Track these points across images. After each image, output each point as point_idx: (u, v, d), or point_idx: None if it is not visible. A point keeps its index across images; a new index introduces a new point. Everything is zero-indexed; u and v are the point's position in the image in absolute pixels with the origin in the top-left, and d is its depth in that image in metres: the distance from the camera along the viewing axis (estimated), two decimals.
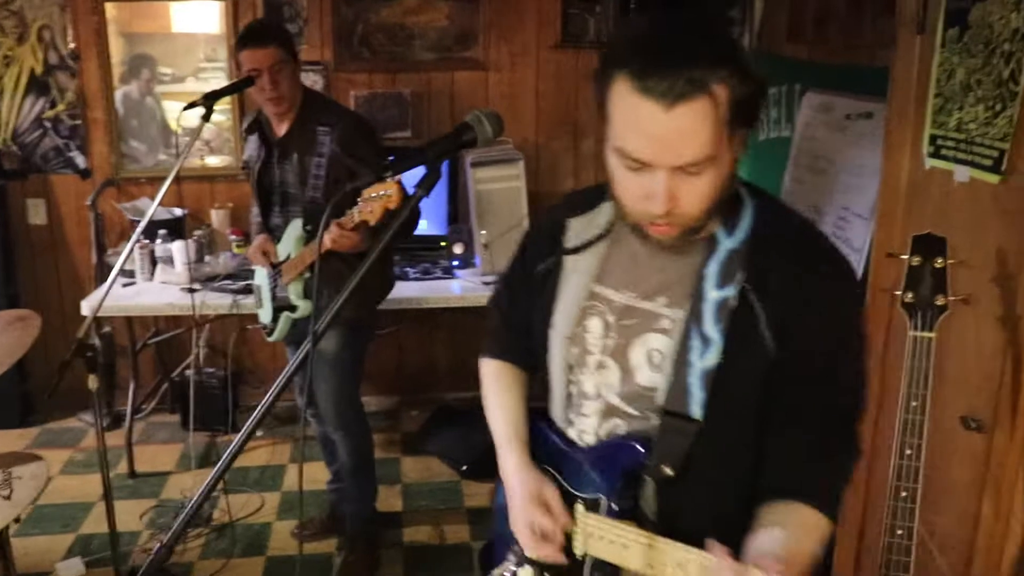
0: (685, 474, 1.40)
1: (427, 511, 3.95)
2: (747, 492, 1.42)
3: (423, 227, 4.38)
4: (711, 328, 1.36)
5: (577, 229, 1.56)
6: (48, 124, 4.51)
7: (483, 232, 4.02)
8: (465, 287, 4.07)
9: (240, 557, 3.59)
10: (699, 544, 1.35)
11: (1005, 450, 1.96)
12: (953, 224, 2.08)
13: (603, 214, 1.53)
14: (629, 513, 1.44)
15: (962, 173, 2.06)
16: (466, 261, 4.23)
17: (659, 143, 1.26)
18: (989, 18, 1.97)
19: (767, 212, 1.42)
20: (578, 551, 1.50)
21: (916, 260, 1.93)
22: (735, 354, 1.36)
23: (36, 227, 4.66)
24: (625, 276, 1.49)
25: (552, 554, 1.50)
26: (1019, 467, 1.93)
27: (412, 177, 1.50)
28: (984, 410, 2.03)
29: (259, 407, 1.49)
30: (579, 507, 1.49)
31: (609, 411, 1.51)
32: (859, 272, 2.66)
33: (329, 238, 2.91)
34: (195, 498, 1.45)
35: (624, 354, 1.47)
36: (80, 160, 4.58)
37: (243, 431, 1.47)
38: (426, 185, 1.48)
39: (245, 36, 3.13)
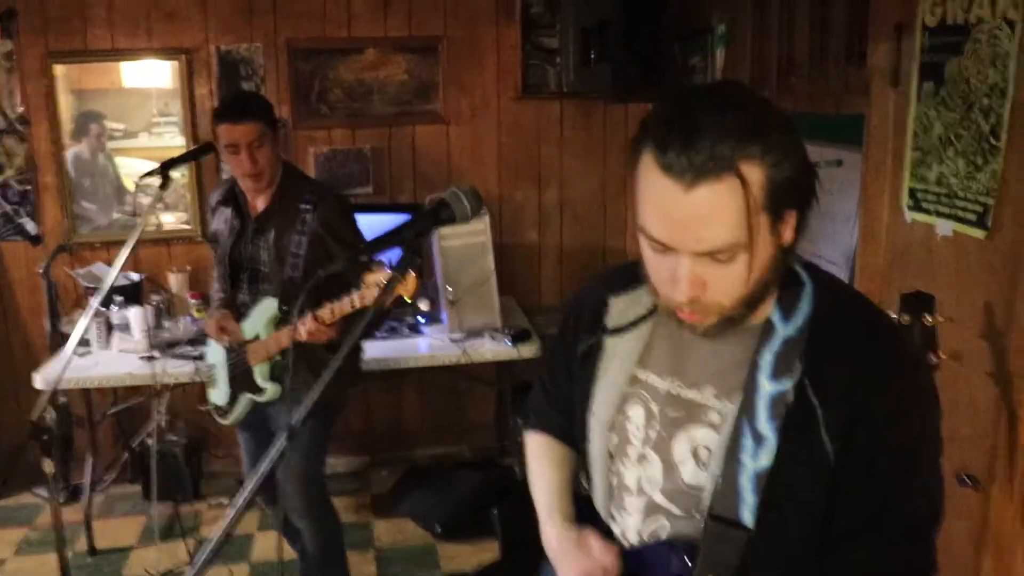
0: None
1: None
2: None
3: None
4: (765, 425, 1.23)
5: (619, 308, 1.45)
6: None
7: (450, 288, 3.95)
8: (432, 345, 4.00)
9: None
10: None
11: (1003, 506, 1.92)
12: (937, 279, 2.05)
13: (647, 293, 1.37)
14: None
15: (945, 227, 2.04)
16: (433, 318, 4.16)
17: (679, 226, 1.16)
18: (965, 73, 1.96)
19: (829, 296, 1.28)
20: None
21: (906, 318, 1.89)
22: (791, 456, 1.22)
23: None
24: (670, 362, 1.37)
25: None
26: (1018, 523, 1.89)
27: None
28: (979, 466, 1.99)
29: (235, 507, 1.43)
30: None
31: (652, 509, 1.39)
32: None
33: (305, 330, 2.81)
34: None
35: (668, 447, 1.35)
36: (31, 226, 4.44)
37: (237, 508, 1.40)
38: (404, 266, 1.44)
39: (223, 110, 3.00)
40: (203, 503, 4.40)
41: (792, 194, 1.17)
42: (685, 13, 4.07)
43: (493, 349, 3.92)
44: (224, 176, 4.40)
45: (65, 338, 4.21)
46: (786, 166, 1.14)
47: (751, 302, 1.24)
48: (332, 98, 4.51)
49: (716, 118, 1.13)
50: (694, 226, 1.15)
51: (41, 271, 4.24)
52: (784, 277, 1.27)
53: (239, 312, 3.17)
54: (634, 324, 1.42)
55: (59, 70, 4.31)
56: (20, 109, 4.31)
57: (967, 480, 2.01)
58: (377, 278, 2.61)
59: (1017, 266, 1.83)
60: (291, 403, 3.02)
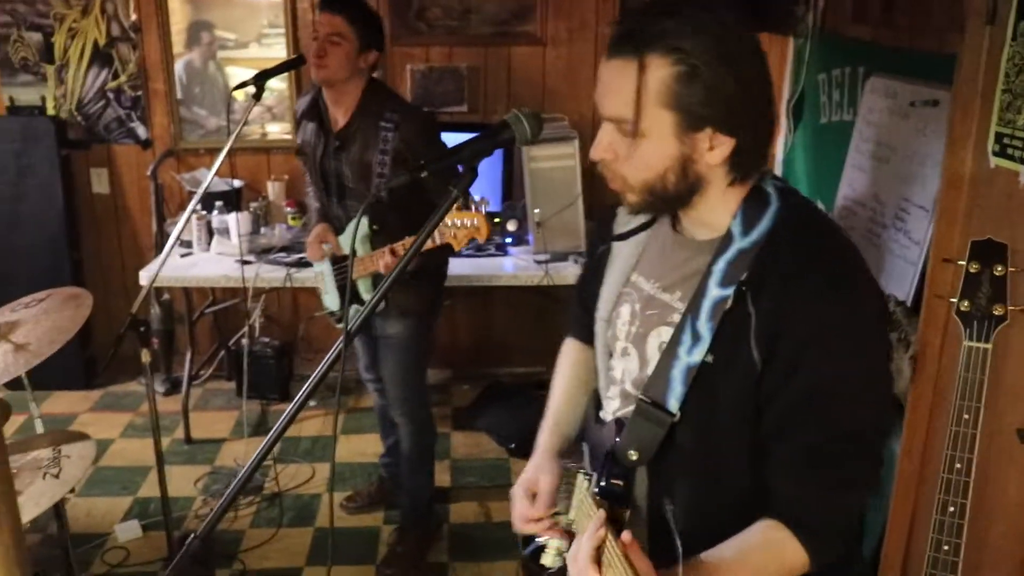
0: (660, 465, 1.41)
1: (474, 488, 3.95)
2: (736, 495, 1.40)
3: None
4: (703, 325, 1.33)
5: (625, 217, 1.58)
6: (111, 95, 4.57)
7: (537, 211, 3.96)
8: (517, 265, 4.03)
9: (289, 527, 3.63)
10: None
11: None
12: (1017, 228, 1.97)
13: None
14: (614, 493, 1.44)
15: None
16: (519, 239, 4.19)
17: (598, 87, 1.34)
18: None
19: (789, 215, 1.35)
20: (570, 517, 1.57)
21: (974, 267, 1.84)
22: (721, 356, 1.32)
23: (99, 196, 4.74)
24: (654, 267, 1.50)
25: (535, 530, 1.60)
26: None
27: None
28: None
29: (301, 392, 1.49)
30: (581, 478, 1.56)
31: (625, 396, 1.52)
32: (917, 271, 2.56)
33: (383, 264, 2.88)
34: (240, 476, 1.48)
35: (643, 343, 1.47)
36: (141, 131, 4.63)
37: (288, 410, 1.48)
38: (462, 185, 1.44)
39: None
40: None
41: (709, 111, 1.27)
42: None
43: (575, 272, 3.89)
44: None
45: (169, 238, 4.43)
46: (699, 83, 1.25)
47: (655, 193, 1.35)
48: (431, 16, 4.50)
49: (658, 14, 1.27)
50: (601, 90, 1.33)
51: (149, 174, 4.43)
52: (752, 194, 1.37)
53: (334, 226, 3.24)
54: (633, 232, 1.55)
55: None
56: (133, 17, 4.45)
57: None
58: (462, 216, 2.67)
59: None
60: (394, 314, 3.16)
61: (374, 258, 3.00)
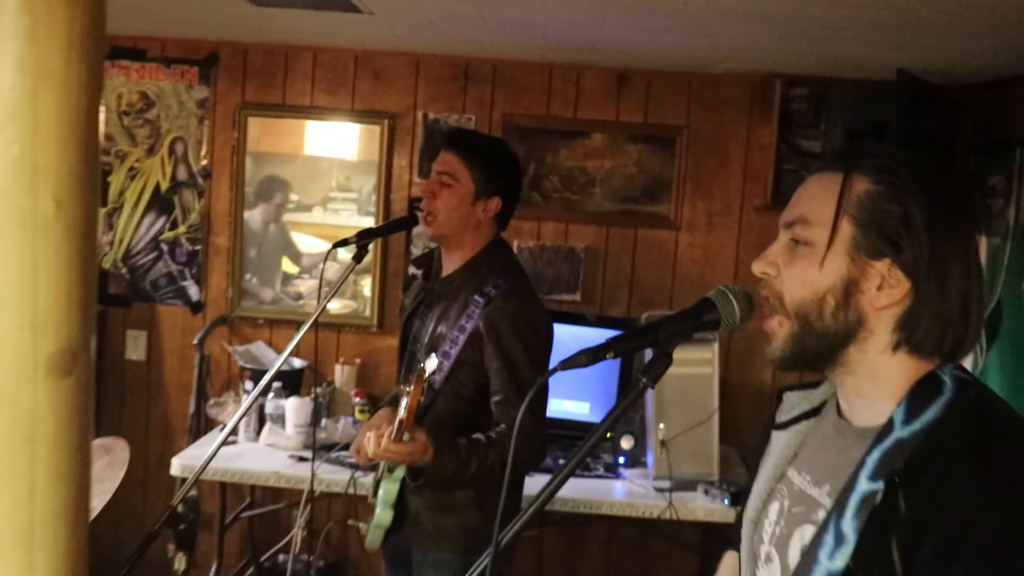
0: None
1: None
2: None
3: (583, 412, 4.14)
4: (848, 524, 1.29)
5: (791, 403, 1.60)
6: (165, 247, 4.43)
7: (661, 426, 3.71)
8: (631, 491, 3.72)
9: None
10: None
11: None
12: None
13: (820, 393, 1.55)
14: None
15: None
16: (635, 459, 3.91)
17: (793, 197, 1.44)
18: None
19: (963, 406, 1.30)
20: None
21: None
22: (863, 561, 1.26)
23: (132, 363, 4.53)
24: (810, 458, 1.49)
25: None
26: None
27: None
28: None
29: None
30: None
31: None
32: None
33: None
34: None
35: (785, 546, 1.43)
36: (193, 291, 4.45)
37: None
38: (654, 373, 1.43)
39: (455, 133, 2.90)
40: None
41: (894, 239, 1.32)
42: (984, 122, 3.86)
43: (706, 506, 3.62)
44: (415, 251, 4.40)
45: (208, 422, 4.28)
46: (896, 205, 1.31)
47: (809, 322, 1.35)
48: (547, 186, 4.34)
49: (870, 143, 1.14)
50: (794, 199, 1.41)
51: (196, 342, 4.30)
52: (925, 380, 1.34)
53: None
54: (797, 420, 1.54)
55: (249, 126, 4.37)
56: (204, 161, 4.42)
57: None
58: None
59: None
60: (413, 542, 2.83)
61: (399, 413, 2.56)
